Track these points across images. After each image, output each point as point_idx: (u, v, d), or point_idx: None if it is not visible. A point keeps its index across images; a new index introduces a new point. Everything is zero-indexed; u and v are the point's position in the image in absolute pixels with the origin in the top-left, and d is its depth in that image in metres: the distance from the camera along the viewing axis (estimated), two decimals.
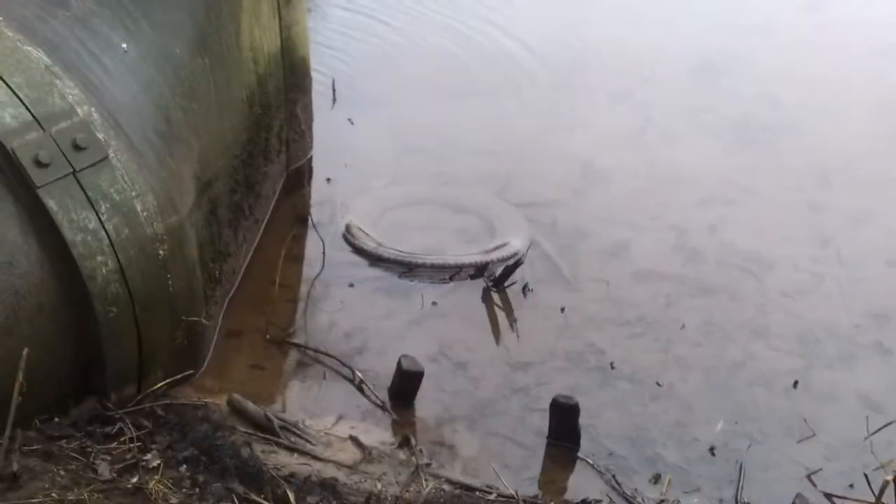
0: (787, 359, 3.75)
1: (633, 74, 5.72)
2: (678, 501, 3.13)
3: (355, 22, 5.98)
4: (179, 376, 3.22)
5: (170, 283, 3.13)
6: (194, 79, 3.49)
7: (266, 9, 4.10)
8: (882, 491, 2.96)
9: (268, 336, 3.66)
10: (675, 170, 4.88)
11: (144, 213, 3.03)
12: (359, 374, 3.50)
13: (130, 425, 3.00)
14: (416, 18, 6.14)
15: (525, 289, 4.01)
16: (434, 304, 3.90)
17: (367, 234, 4.20)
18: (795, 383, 3.60)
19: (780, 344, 3.83)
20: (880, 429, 3.10)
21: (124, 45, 3.22)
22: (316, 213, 4.35)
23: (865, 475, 3.09)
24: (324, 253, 4.07)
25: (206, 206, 3.50)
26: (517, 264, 4.00)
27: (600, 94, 5.53)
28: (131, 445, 2.92)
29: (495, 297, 3.98)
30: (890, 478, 2.96)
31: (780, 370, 3.69)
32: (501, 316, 3.91)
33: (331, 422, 3.32)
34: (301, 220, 4.33)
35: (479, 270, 4.06)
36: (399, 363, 3.40)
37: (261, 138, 4.07)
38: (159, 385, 3.16)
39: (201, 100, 3.51)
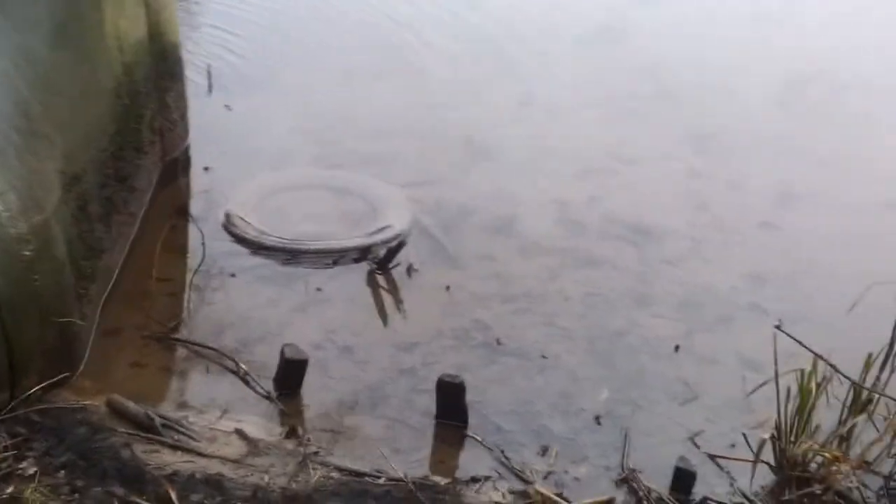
0: (668, 325, 3.81)
1: (518, 48, 5.74)
2: (566, 472, 3.16)
3: (232, 6, 5.85)
4: (54, 379, 3.13)
5: (37, 284, 3.04)
6: (54, 72, 3.37)
7: None
8: (760, 448, 3.05)
9: (148, 332, 3.58)
10: (557, 143, 4.92)
11: (6, 214, 2.93)
12: (243, 366, 3.44)
13: (4, 433, 2.91)
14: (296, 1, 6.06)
15: (409, 269, 3.99)
16: (318, 289, 3.87)
17: (247, 222, 4.13)
18: (677, 347, 3.67)
19: (662, 310, 3.89)
20: (758, 388, 3.17)
21: None
22: (195, 204, 4.27)
23: (744, 434, 3.17)
24: (203, 244, 3.98)
25: (73, 203, 3.39)
26: (400, 245, 3.98)
27: (485, 68, 5.53)
28: (5, 454, 2.83)
29: (380, 279, 3.96)
30: (767, 436, 3.05)
31: (662, 336, 3.75)
32: (387, 298, 3.89)
33: (216, 416, 3.26)
34: (179, 211, 4.24)
35: (363, 253, 4.03)
36: (282, 352, 3.36)
37: (131, 129, 3.97)
38: (33, 390, 3.06)
39: (63, 93, 3.40)
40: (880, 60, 5.85)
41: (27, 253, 2.99)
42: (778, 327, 3.09)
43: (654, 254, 4.20)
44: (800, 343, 3.07)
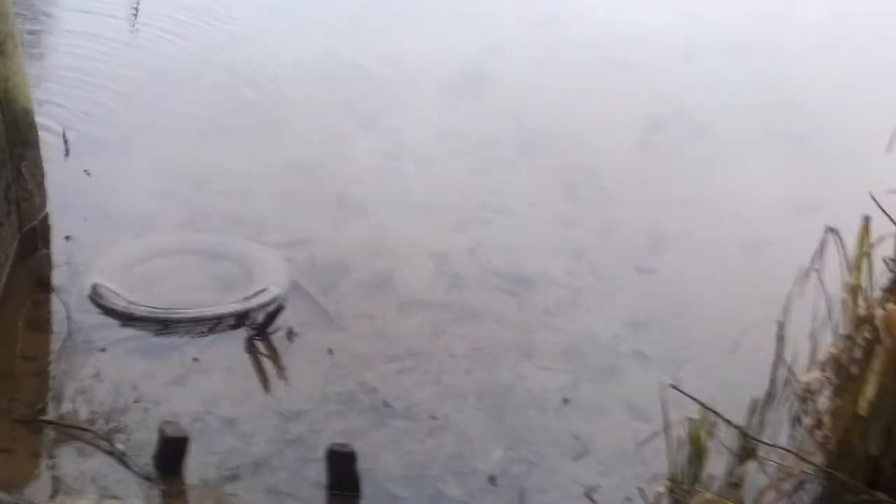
0: (554, 376, 3.80)
1: (381, 99, 5.71)
2: None
3: (83, 67, 5.63)
4: None
5: None
6: None
7: None
8: (657, 501, 3.05)
9: (14, 415, 3.36)
10: (429, 195, 4.89)
11: None
12: (119, 447, 3.26)
13: None
14: (148, 58, 5.87)
15: (290, 333, 3.88)
16: (195, 359, 3.71)
17: (115, 292, 3.94)
18: (565, 401, 3.66)
19: (547, 362, 3.88)
20: (648, 439, 3.18)
21: None
22: (58, 275, 4.05)
23: (640, 488, 3.17)
24: (68, 317, 3.79)
25: None
26: (278, 309, 3.87)
27: (351, 122, 5.47)
28: None
29: (259, 345, 3.83)
30: (662, 488, 3.06)
31: (549, 388, 3.73)
32: (267, 364, 3.76)
33: (93, 501, 3.08)
34: (41, 284, 4.02)
35: (240, 319, 3.90)
36: (161, 430, 3.19)
37: None
38: None
39: None
40: (731, 98, 6.02)
41: None
42: (673, 386, 3.10)
43: (534, 304, 4.19)
44: (690, 397, 3.09)
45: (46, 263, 4.13)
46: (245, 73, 5.77)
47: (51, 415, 3.39)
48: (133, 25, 6.23)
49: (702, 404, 3.06)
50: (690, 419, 3.07)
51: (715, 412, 3.06)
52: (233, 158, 4.98)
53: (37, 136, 4.29)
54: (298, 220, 4.61)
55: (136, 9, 6.34)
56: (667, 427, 3.07)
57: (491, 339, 3.98)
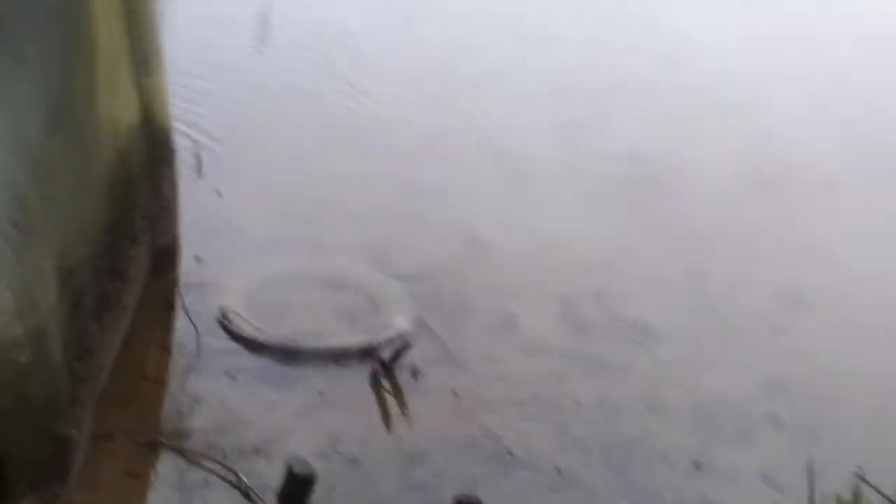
0: (683, 435, 3.67)
1: (505, 133, 5.64)
2: None
3: (218, 88, 5.69)
4: (48, 496, 2.91)
5: (32, 391, 2.84)
6: (51, 160, 3.19)
7: (124, 78, 3.82)
8: None
9: (141, 439, 3.36)
10: (556, 233, 4.80)
11: (2, 317, 2.73)
12: (244, 479, 3.24)
13: None
14: (281, 82, 5.91)
15: (414, 372, 3.82)
16: (320, 393, 3.68)
17: (243, 318, 3.94)
18: (696, 464, 3.52)
19: (676, 419, 3.76)
20: None
21: None
22: (187, 296, 4.06)
23: None
24: (198, 342, 3.80)
25: (69, 300, 3.19)
26: (405, 346, 3.82)
27: (474, 154, 5.42)
28: None
29: (384, 382, 3.78)
30: None
31: (678, 447, 3.60)
32: (392, 403, 3.71)
33: None
34: (171, 304, 4.03)
35: (366, 354, 3.86)
36: (289, 467, 3.16)
37: (125, 219, 3.78)
38: None
39: (59, 183, 3.21)
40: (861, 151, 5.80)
41: (23, 358, 2.79)
42: (861, 478, 2.94)
43: (662, 357, 4.07)
44: (877, 490, 2.92)
45: (176, 284, 4.15)
46: (370, 93, 5.77)
47: (176, 441, 3.39)
48: (263, 42, 6.29)
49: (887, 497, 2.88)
50: (838, 497, 2.92)
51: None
52: (359, 180, 4.98)
53: (174, 155, 4.32)
54: (423, 251, 4.56)
55: (265, 23, 6.38)
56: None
57: (617, 390, 3.87)
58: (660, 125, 5.84)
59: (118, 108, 3.75)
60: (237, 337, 3.87)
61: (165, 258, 4.22)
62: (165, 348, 3.82)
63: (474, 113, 5.77)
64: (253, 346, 3.84)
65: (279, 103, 5.65)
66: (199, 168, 4.86)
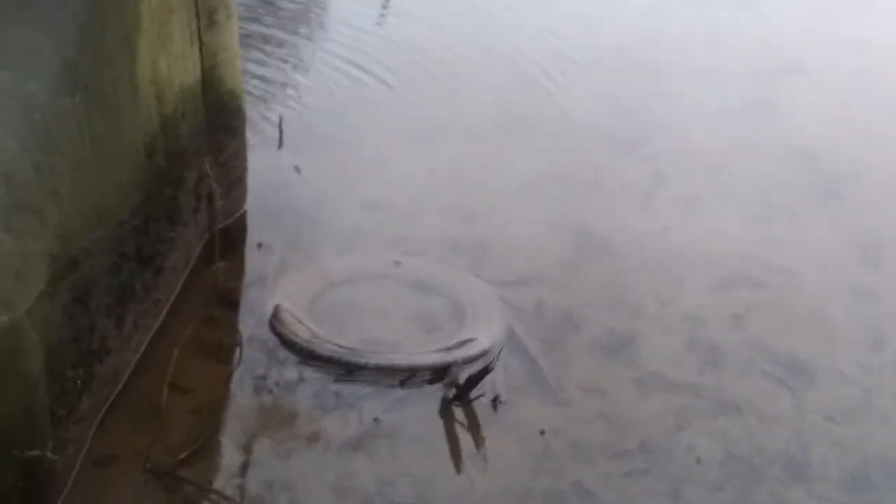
0: None
1: (642, 118, 4.84)
2: None
3: (317, 57, 5.07)
4: None
5: None
6: (57, 124, 2.61)
7: (179, 32, 3.23)
8: None
9: (150, 463, 2.77)
10: (690, 240, 3.99)
11: None
12: None
13: None
14: (391, 53, 5.23)
15: (496, 401, 3.12)
16: (376, 420, 3.01)
17: (299, 320, 3.31)
18: None
19: (824, 489, 2.94)
20: None
21: None
22: (240, 290, 3.47)
23: None
24: (240, 345, 3.19)
25: (66, 294, 2.62)
26: (486, 370, 3.11)
27: (600, 142, 4.64)
28: None
29: (457, 411, 3.09)
30: None
31: None
32: (464, 437, 3.02)
33: None
34: (221, 298, 3.44)
35: (438, 374, 3.18)
36: None
37: (164, 197, 3.19)
38: None
39: (66, 153, 2.63)
40: None
41: None
42: None
43: (813, 403, 3.24)
44: None
45: (231, 273, 3.56)
46: (479, 84, 5.05)
47: (195, 468, 2.79)
48: (382, 14, 5.64)
49: None
50: None
51: None
52: (460, 172, 4.26)
53: (243, 122, 3.74)
54: (528, 254, 3.84)
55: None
56: None
57: (751, 443, 3.07)
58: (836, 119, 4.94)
59: (167, 66, 3.16)
60: (287, 342, 3.24)
61: (224, 243, 3.63)
62: (204, 350, 3.22)
63: (610, 96, 5.00)
64: (304, 354, 3.21)
65: (381, 83, 4.95)
66: (280, 140, 4.25)
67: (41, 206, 2.53)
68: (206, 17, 3.39)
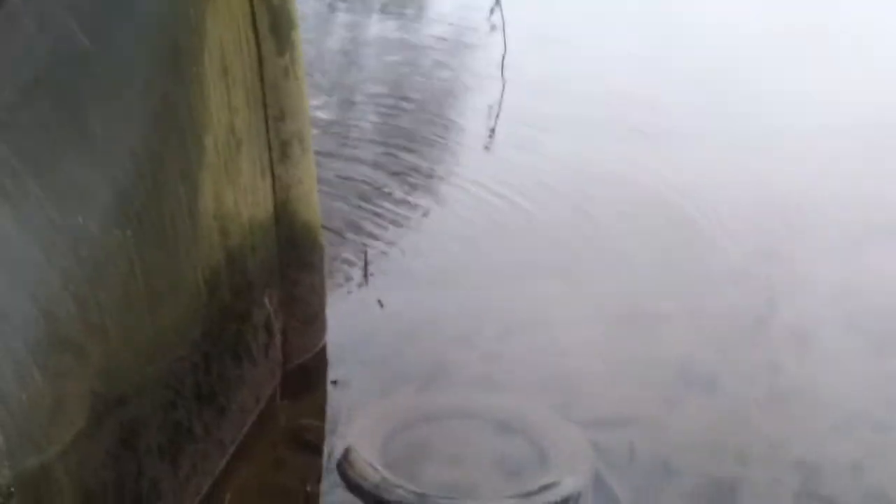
0: None
1: (756, 239, 4.55)
2: None
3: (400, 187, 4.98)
4: None
5: None
6: (105, 258, 2.53)
7: (248, 165, 3.17)
8: None
9: None
10: (805, 378, 3.66)
11: None
12: None
13: None
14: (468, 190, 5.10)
15: None
16: None
17: (370, 464, 3.11)
18: None
19: None
20: None
21: None
22: (311, 430, 3.30)
23: None
24: (307, 491, 3.00)
25: (109, 435, 2.49)
26: None
27: (708, 267, 4.36)
28: None
29: None
30: None
31: None
32: None
33: None
34: (292, 439, 3.28)
35: None
36: None
37: (229, 332, 3.08)
38: None
39: (114, 287, 2.55)
40: None
41: None
42: None
43: None
44: None
45: (305, 412, 3.39)
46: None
47: None
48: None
49: None
50: None
51: None
52: (548, 309, 4.01)
53: (322, 257, 3.63)
54: (622, 392, 3.57)
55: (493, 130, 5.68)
56: None
57: None
58: None
59: (233, 200, 3.09)
60: (355, 487, 3.04)
61: (299, 380, 3.49)
62: (272, 496, 3.05)
63: (722, 214, 4.73)
64: (372, 500, 2.99)
65: (472, 223, 4.75)
66: (365, 273, 4.12)
67: (82, 343, 2.43)
68: (278, 151, 3.33)
